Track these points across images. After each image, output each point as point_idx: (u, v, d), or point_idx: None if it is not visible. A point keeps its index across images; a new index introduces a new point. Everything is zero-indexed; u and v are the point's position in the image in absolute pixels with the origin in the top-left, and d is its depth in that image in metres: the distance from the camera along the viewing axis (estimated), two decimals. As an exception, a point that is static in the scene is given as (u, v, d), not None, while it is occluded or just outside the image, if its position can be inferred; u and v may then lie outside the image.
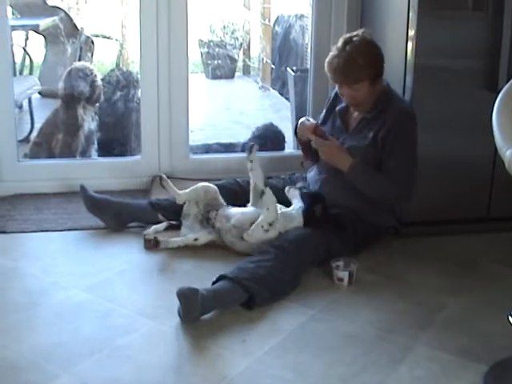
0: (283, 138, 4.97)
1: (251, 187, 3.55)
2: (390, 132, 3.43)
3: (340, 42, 3.46)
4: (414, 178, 3.48)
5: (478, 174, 3.78)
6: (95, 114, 4.96)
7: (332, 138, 3.57)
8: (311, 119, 3.73)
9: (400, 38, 3.66)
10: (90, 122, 4.90)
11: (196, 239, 3.52)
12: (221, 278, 3.03)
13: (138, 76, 4.66)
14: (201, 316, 2.87)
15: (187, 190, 3.63)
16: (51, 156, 4.77)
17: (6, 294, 3.13)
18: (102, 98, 4.98)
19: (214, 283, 3.02)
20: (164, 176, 3.62)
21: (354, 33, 3.49)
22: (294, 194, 3.56)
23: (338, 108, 3.69)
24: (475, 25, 3.59)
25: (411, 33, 3.57)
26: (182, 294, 2.82)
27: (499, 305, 2.99)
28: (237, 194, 3.73)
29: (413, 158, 3.48)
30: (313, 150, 3.61)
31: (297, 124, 3.76)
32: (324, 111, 3.82)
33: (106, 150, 4.93)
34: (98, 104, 4.97)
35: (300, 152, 3.80)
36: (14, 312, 2.96)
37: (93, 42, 6.45)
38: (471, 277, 3.37)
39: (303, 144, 3.69)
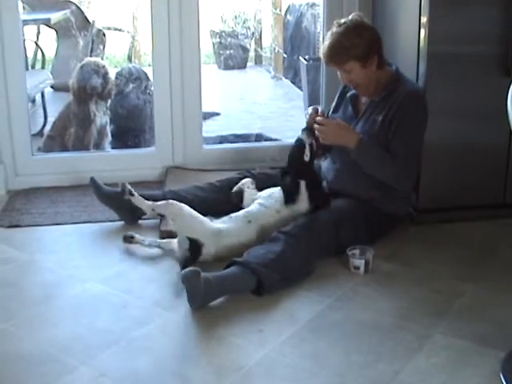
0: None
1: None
2: (397, 112, 3.41)
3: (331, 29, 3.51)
4: (416, 161, 3.47)
5: (493, 160, 3.76)
6: (107, 108, 4.96)
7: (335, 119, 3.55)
8: (318, 108, 3.70)
9: (413, 26, 3.64)
10: (101, 116, 4.90)
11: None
12: (231, 263, 3.06)
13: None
14: (207, 299, 2.89)
15: (158, 203, 3.48)
16: (65, 149, 4.78)
17: (22, 287, 3.14)
18: (114, 92, 4.99)
19: (224, 269, 3.06)
20: (128, 187, 3.61)
21: (346, 18, 3.52)
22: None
23: (349, 94, 3.68)
24: (487, 10, 3.56)
25: (424, 20, 3.55)
26: (184, 277, 2.87)
27: (516, 291, 2.98)
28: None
29: (417, 141, 3.46)
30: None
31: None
32: (336, 99, 3.81)
33: (120, 141, 4.94)
34: (109, 99, 4.98)
35: None
36: (31, 305, 2.98)
37: (104, 35, 6.47)
38: (488, 263, 3.36)
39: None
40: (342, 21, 3.48)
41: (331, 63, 3.50)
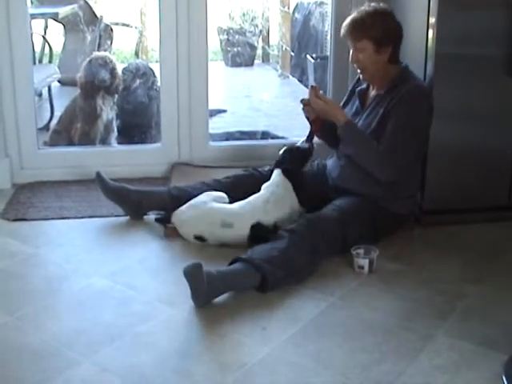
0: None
1: None
2: (396, 104, 3.42)
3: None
4: (406, 154, 3.42)
5: (499, 162, 3.76)
6: (114, 103, 4.96)
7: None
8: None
9: (421, 26, 3.64)
10: (108, 111, 4.90)
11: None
12: (235, 260, 3.07)
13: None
14: (211, 294, 2.89)
15: None
16: (71, 144, 4.79)
17: (27, 281, 3.15)
18: (121, 87, 4.99)
19: (228, 266, 3.06)
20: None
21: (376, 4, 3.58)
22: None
23: (357, 89, 3.70)
24: (495, 11, 3.56)
25: (432, 20, 3.54)
26: (187, 271, 2.86)
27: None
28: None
29: (411, 134, 3.42)
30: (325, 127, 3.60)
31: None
32: (346, 95, 3.82)
33: (126, 137, 4.95)
34: (116, 94, 4.97)
35: None
36: (36, 299, 2.98)
37: (112, 30, 6.46)
38: (492, 265, 3.35)
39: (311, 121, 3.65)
40: (373, 4, 3.55)
41: (348, 36, 3.52)
